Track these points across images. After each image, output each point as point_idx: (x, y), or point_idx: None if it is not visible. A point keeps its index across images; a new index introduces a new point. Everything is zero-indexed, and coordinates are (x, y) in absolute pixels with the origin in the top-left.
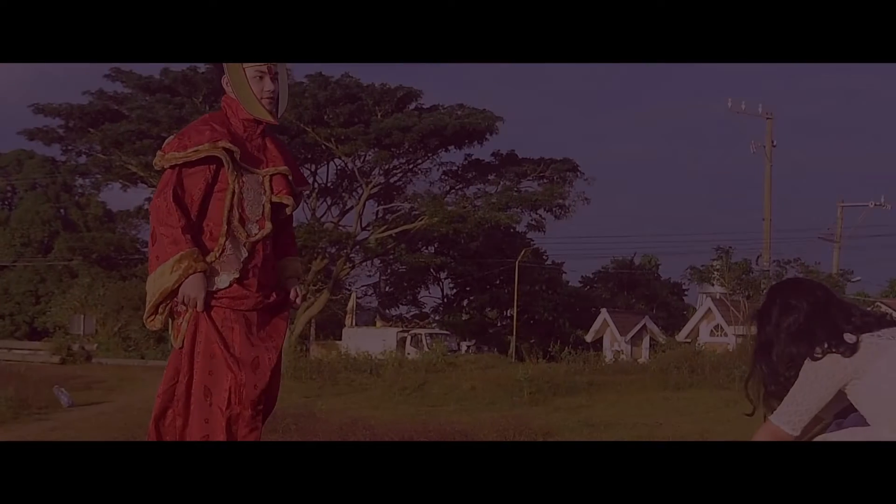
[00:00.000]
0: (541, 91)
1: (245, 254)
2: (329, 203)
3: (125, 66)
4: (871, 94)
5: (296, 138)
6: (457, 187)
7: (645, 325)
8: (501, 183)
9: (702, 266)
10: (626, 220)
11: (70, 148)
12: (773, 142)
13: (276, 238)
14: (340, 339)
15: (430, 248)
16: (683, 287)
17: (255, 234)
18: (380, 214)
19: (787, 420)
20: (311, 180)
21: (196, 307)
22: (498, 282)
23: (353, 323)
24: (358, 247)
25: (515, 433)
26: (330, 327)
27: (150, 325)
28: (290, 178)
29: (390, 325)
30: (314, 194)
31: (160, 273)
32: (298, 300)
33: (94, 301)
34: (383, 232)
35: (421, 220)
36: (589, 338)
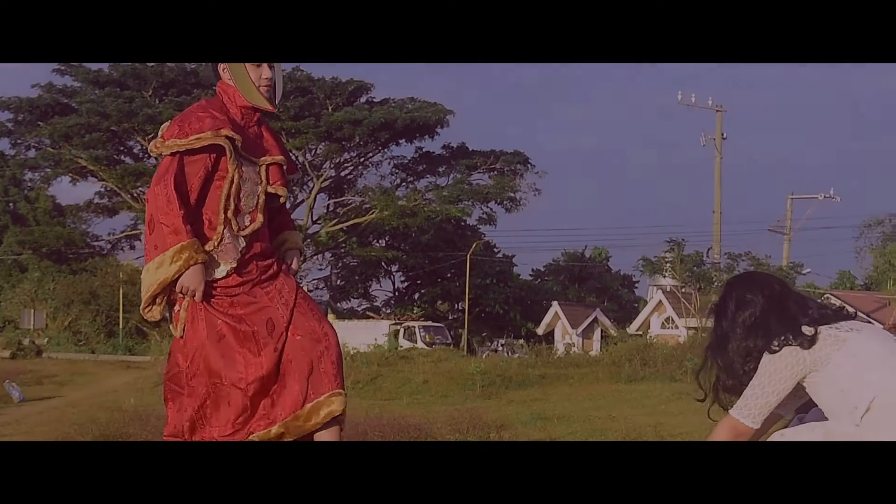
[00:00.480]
0: (492, 84)
1: (243, 244)
2: None
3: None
4: (823, 86)
5: None
6: (408, 180)
7: (596, 317)
8: (452, 176)
9: (654, 258)
10: (578, 213)
11: (19, 142)
12: (723, 135)
13: (273, 220)
14: None
15: (381, 241)
16: (634, 279)
17: (247, 227)
18: (331, 208)
19: (748, 413)
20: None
21: (195, 298)
22: (449, 275)
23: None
24: (309, 240)
25: (469, 427)
26: None
27: (148, 316)
28: (284, 167)
29: (382, 318)
30: None
31: (159, 263)
32: (295, 266)
33: (43, 295)
34: (334, 225)
35: (372, 214)
36: (540, 330)
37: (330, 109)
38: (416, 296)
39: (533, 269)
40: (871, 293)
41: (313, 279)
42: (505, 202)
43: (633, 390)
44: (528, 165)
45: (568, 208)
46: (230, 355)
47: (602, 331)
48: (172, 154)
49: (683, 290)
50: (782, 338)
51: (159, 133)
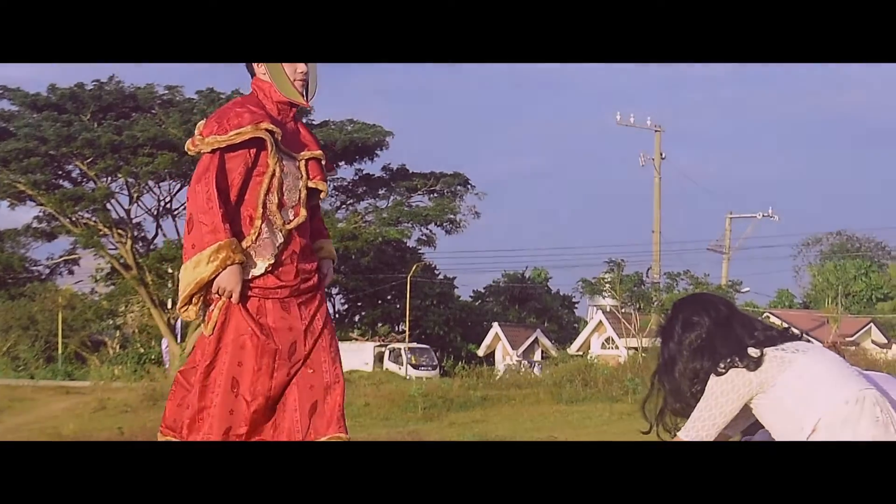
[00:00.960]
0: (432, 105)
1: (280, 239)
2: None
3: (14, 83)
4: (761, 106)
5: (185, 155)
6: (348, 203)
7: (537, 338)
8: (392, 198)
9: (593, 278)
10: (518, 234)
11: None
12: (661, 154)
13: (308, 223)
14: None
15: None
16: (574, 300)
17: (291, 221)
18: None
19: (695, 435)
20: None
21: (231, 299)
22: (389, 297)
23: None
24: None
25: None
26: None
27: (184, 316)
28: (323, 162)
29: (367, 340)
30: None
31: (196, 262)
32: (328, 279)
33: None
34: None
35: None
36: (481, 352)
37: None
38: (357, 318)
39: (473, 291)
40: (809, 311)
41: None
42: (445, 224)
43: (575, 411)
44: (469, 187)
45: (508, 229)
46: (247, 366)
47: (543, 351)
48: (212, 151)
49: (623, 310)
50: (728, 360)
51: (196, 131)
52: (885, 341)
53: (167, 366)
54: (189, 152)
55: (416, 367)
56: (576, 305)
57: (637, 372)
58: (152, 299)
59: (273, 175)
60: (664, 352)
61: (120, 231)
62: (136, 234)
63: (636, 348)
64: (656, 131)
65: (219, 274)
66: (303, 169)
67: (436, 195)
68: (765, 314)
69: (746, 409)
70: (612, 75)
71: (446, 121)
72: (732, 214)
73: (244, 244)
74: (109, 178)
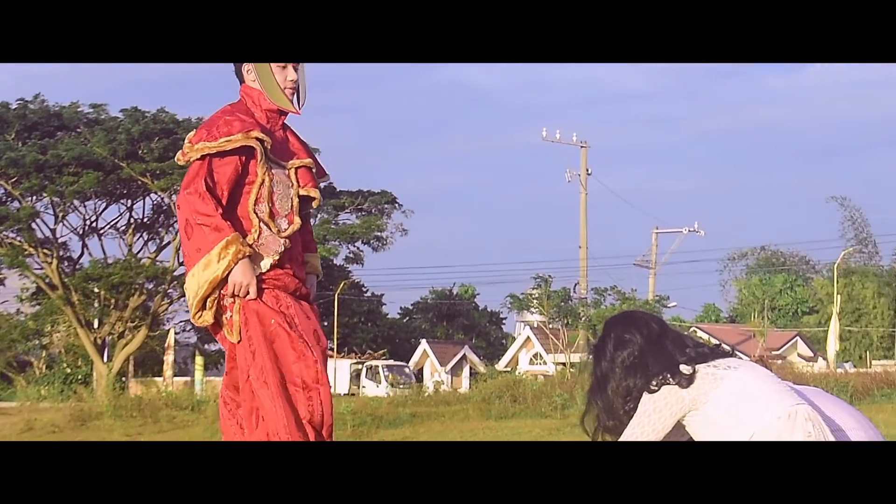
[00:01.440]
0: (360, 122)
1: (282, 246)
2: (146, 238)
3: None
4: (687, 121)
5: (111, 174)
6: None
7: (465, 354)
8: (319, 216)
9: (521, 294)
10: (445, 251)
11: None
12: (588, 170)
13: (299, 234)
14: (159, 376)
15: None
16: (502, 316)
17: (286, 230)
18: None
19: None
20: (126, 217)
21: (248, 294)
22: None
23: (174, 360)
24: (175, 282)
25: None
26: (149, 364)
27: (199, 322)
28: (314, 170)
29: (342, 357)
30: (130, 230)
31: (205, 264)
32: (311, 296)
33: None
34: None
35: None
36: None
37: None
38: None
39: (401, 308)
40: (736, 325)
41: (180, 321)
42: (372, 241)
43: (504, 427)
44: (396, 204)
45: (435, 246)
46: (286, 356)
47: (471, 367)
48: (202, 158)
49: (551, 325)
50: (661, 377)
51: (185, 141)
52: (811, 354)
53: (95, 386)
54: (179, 162)
55: (393, 385)
56: (503, 321)
57: (566, 387)
58: (78, 319)
59: (262, 184)
60: (597, 370)
61: (45, 250)
62: (61, 253)
63: (564, 363)
64: (582, 147)
65: (231, 270)
66: (293, 177)
67: (363, 213)
68: (692, 328)
69: (679, 426)
70: (537, 92)
71: (373, 138)
72: (658, 229)
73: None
74: (34, 198)
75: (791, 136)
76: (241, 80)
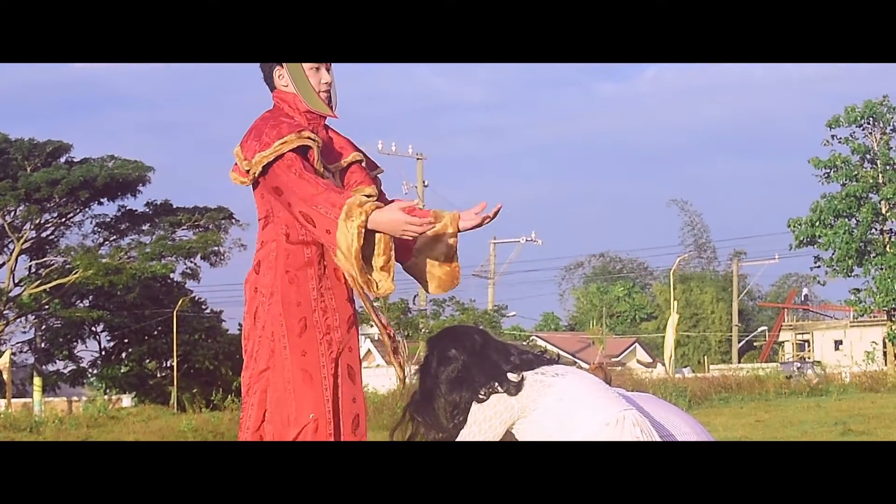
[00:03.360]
0: (197, 138)
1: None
2: None
3: None
4: (519, 130)
5: None
6: (111, 239)
7: None
8: (156, 233)
9: (360, 308)
10: None
11: None
12: (424, 182)
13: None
14: None
15: (85, 301)
16: None
17: None
18: (33, 269)
19: None
20: None
21: (420, 227)
22: (156, 332)
23: (11, 381)
24: (11, 303)
25: None
26: None
27: (383, 288)
28: (363, 163)
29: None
30: None
31: (342, 237)
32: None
33: None
34: (37, 287)
35: (75, 274)
36: None
37: (28, 170)
38: (124, 355)
39: (239, 325)
40: (575, 333)
41: (17, 342)
42: (209, 256)
43: None
44: (233, 220)
45: None
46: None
47: None
48: (263, 169)
49: None
50: (488, 386)
51: (236, 160)
52: (650, 360)
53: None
54: (237, 182)
55: None
56: None
57: (405, 394)
58: None
59: None
60: (422, 387)
61: None
62: None
63: (405, 376)
64: (418, 159)
65: (370, 225)
66: (339, 180)
67: (200, 230)
68: (531, 337)
69: (509, 435)
70: (372, 104)
71: (209, 153)
72: (496, 240)
73: (306, 254)
74: None
75: (625, 144)
76: (272, 87)
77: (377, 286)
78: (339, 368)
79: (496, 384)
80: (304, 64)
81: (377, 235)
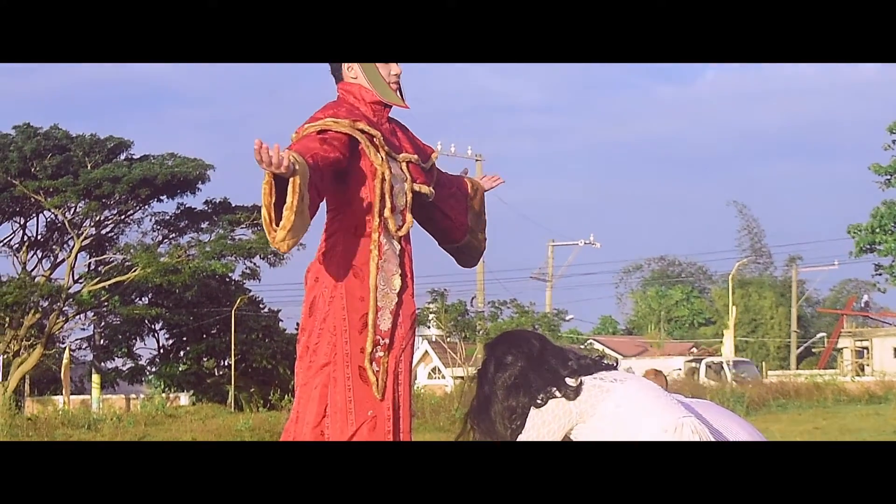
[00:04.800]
0: (253, 134)
1: (398, 247)
2: (40, 256)
3: None
4: (578, 132)
5: (3, 192)
6: (170, 237)
7: None
8: (215, 231)
9: (417, 309)
10: None
11: None
12: None
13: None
14: (56, 395)
15: (144, 299)
16: None
17: (402, 227)
18: (92, 266)
19: None
20: (20, 234)
21: (281, 164)
22: (214, 331)
23: (70, 378)
24: (71, 300)
25: None
26: (45, 382)
27: (274, 244)
28: (422, 165)
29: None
30: (24, 248)
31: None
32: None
33: None
34: (96, 284)
35: (134, 272)
36: None
37: (89, 167)
38: (182, 353)
39: (297, 324)
40: (632, 337)
41: (76, 339)
42: (269, 256)
43: None
44: None
45: None
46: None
47: None
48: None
49: (449, 339)
50: (546, 391)
51: (293, 140)
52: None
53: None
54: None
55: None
56: None
57: (464, 402)
58: None
59: (383, 179)
60: (479, 394)
61: None
62: None
63: (462, 377)
64: (477, 160)
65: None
66: (405, 171)
67: (259, 228)
68: (588, 341)
69: (567, 441)
70: (423, 104)
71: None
72: (554, 242)
73: (371, 258)
74: None
75: (683, 146)
76: (339, 79)
77: (273, 238)
78: (399, 366)
79: (554, 389)
80: None
81: (287, 190)
